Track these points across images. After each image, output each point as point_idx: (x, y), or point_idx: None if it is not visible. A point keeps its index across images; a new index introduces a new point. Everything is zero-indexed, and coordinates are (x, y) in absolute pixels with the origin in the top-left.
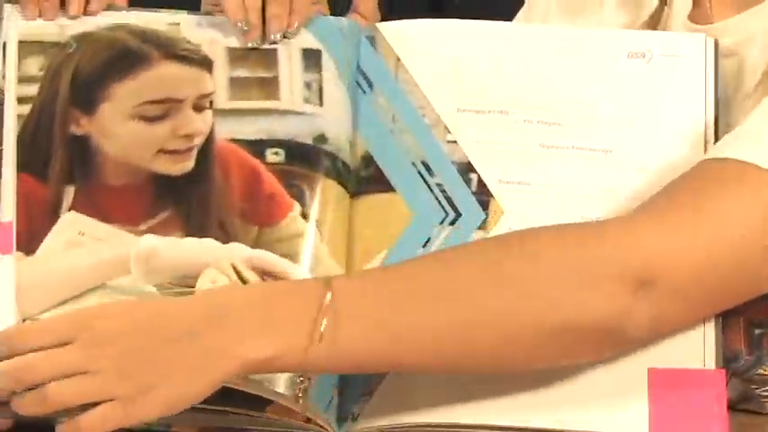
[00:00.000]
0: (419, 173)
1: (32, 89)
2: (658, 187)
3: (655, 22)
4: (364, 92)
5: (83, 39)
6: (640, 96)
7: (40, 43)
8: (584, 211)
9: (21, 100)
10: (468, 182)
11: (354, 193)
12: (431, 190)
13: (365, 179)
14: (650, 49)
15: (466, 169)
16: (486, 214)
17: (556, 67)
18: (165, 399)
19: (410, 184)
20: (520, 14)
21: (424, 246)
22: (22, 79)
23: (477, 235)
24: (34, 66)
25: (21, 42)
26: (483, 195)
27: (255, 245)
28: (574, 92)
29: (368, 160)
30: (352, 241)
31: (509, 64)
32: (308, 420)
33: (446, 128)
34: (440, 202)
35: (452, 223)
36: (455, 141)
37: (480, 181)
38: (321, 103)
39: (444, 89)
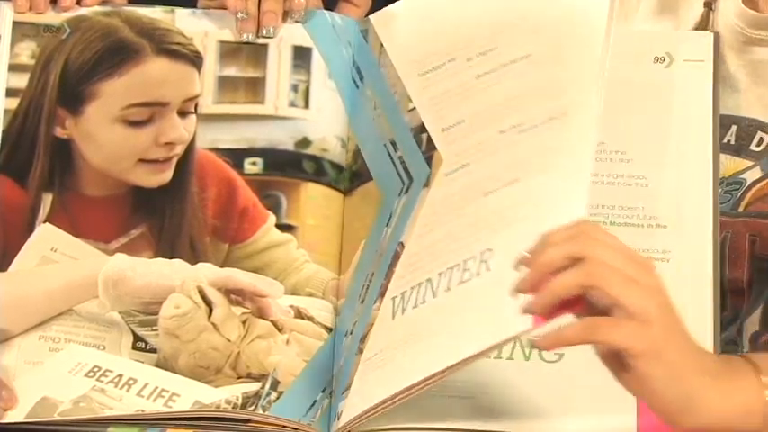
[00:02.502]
0: (388, 152)
1: (22, 80)
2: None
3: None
4: (357, 86)
5: (77, 23)
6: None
7: (34, 25)
8: (519, 151)
9: (9, 92)
10: (419, 143)
11: (348, 190)
12: (394, 165)
13: (355, 174)
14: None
15: (419, 131)
16: (430, 168)
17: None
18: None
19: (381, 166)
20: None
21: (388, 223)
22: (13, 67)
23: (423, 193)
24: (26, 52)
25: (15, 23)
26: (429, 150)
27: (225, 263)
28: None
29: (357, 154)
30: (346, 238)
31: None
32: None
33: (408, 97)
34: (399, 175)
35: (407, 191)
36: (414, 108)
37: (429, 138)
38: (307, 106)
39: (411, 56)
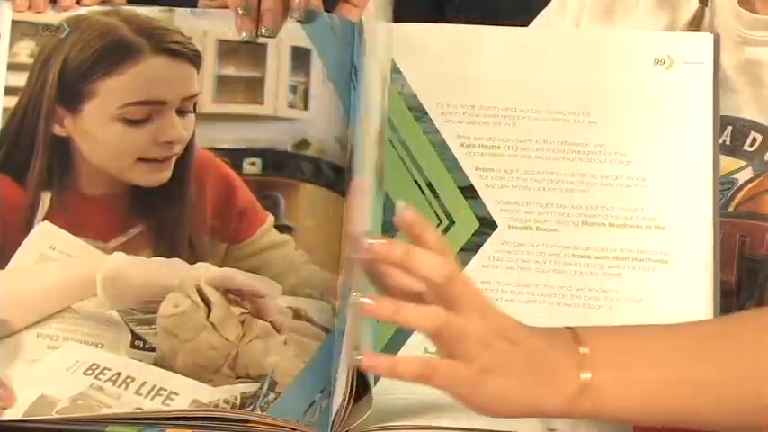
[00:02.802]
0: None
1: (21, 79)
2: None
3: (695, 26)
4: (355, 87)
5: (76, 23)
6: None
7: (33, 24)
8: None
9: (8, 91)
10: None
11: (346, 192)
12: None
13: (350, 174)
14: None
15: None
16: None
17: None
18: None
19: (358, 161)
20: (548, 11)
21: None
22: (12, 66)
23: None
24: (25, 51)
25: (14, 22)
26: None
27: (223, 262)
28: None
29: (352, 155)
30: (345, 239)
31: None
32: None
33: None
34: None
35: None
36: None
37: None
38: (306, 107)
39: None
